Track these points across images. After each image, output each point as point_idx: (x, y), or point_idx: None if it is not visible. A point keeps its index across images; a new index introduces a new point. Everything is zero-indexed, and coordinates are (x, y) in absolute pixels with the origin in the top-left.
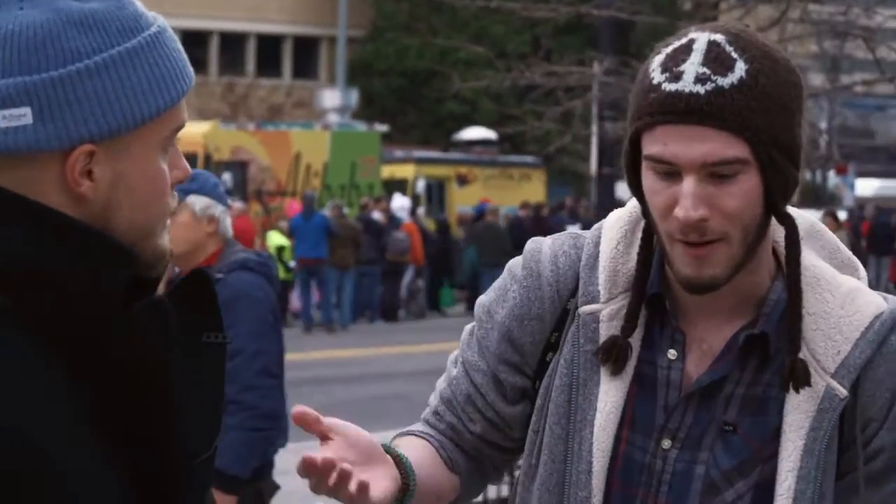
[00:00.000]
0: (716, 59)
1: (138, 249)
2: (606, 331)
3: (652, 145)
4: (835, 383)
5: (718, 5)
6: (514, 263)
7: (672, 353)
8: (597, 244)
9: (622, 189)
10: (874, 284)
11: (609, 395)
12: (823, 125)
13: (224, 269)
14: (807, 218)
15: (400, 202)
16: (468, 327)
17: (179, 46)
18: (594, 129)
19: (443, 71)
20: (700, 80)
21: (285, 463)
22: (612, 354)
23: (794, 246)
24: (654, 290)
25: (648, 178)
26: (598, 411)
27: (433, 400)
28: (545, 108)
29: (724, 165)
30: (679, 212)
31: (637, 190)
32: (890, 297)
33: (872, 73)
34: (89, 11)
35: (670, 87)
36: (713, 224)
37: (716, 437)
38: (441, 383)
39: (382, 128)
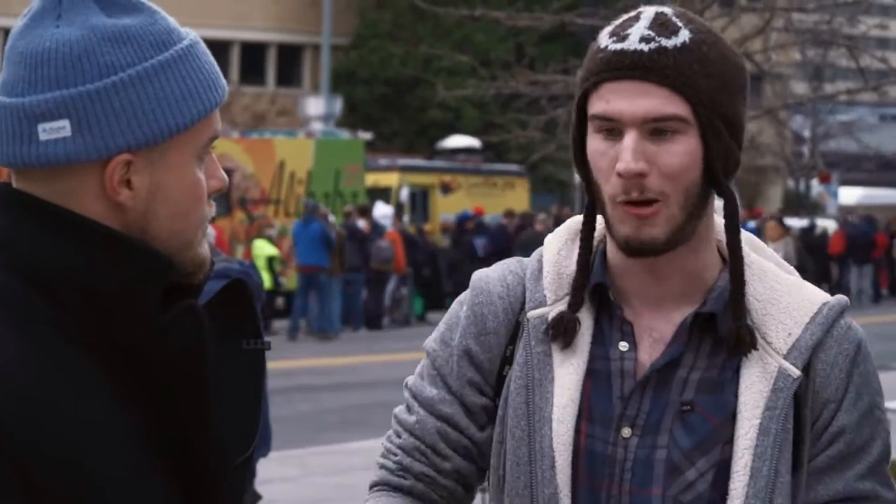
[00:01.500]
0: (661, 25)
1: (178, 258)
2: None
3: (596, 104)
4: (787, 364)
5: (703, 13)
6: (461, 295)
7: (623, 345)
8: (539, 259)
9: None
10: (856, 294)
11: (564, 389)
12: (807, 133)
13: None
14: (747, 235)
15: (382, 210)
16: (410, 379)
17: (211, 59)
18: None
19: (426, 79)
20: (644, 39)
21: (270, 472)
22: (560, 328)
23: (732, 217)
24: (597, 280)
25: (593, 143)
26: (555, 406)
27: (389, 462)
28: (529, 116)
29: (664, 121)
30: (620, 165)
31: (582, 167)
32: (838, 296)
33: (856, 82)
34: (123, 27)
35: (615, 46)
36: (652, 182)
37: (674, 419)
38: (395, 440)
39: (366, 136)
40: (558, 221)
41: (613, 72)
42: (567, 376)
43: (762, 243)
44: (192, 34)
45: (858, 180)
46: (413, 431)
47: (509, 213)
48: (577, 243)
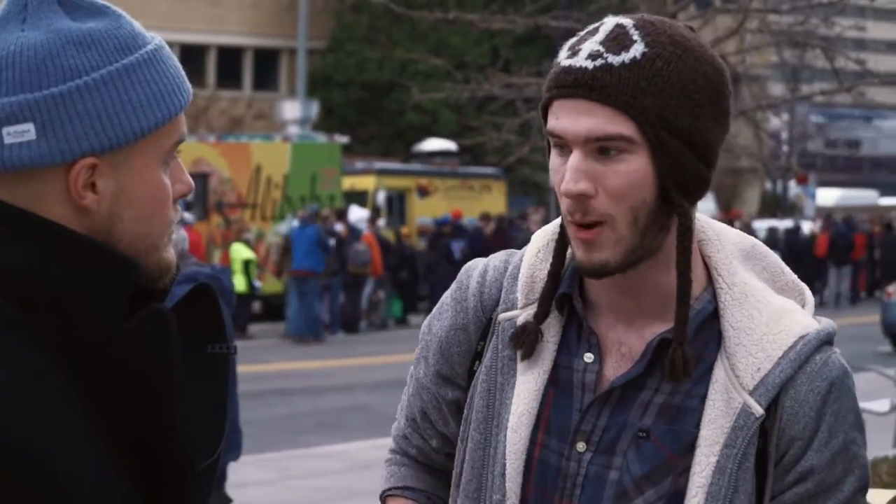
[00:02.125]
0: (614, 39)
1: (143, 262)
2: None
3: (549, 120)
4: (752, 401)
5: (676, 16)
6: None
7: (588, 357)
8: (522, 256)
9: None
10: (835, 294)
11: (521, 398)
12: (784, 135)
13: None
14: (749, 239)
15: (358, 214)
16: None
17: (177, 63)
18: None
19: (403, 83)
20: (592, 56)
21: (243, 475)
22: (523, 339)
23: (684, 235)
24: (563, 290)
25: (551, 157)
26: (511, 413)
27: (401, 421)
28: (504, 119)
29: (608, 141)
30: (562, 185)
31: None
32: (824, 320)
33: (832, 83)
34: (87, 31)
35: (566, 62)
36: (598, 203)
37: (630, 443)
38: (403, 399)
39: (343, 139)
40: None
41: (559, 89)
42: (527, 384)
43: (764, 250)
44: (157, 38)
45: (836, 181)
46: (409, 402)
47: (485, 216)
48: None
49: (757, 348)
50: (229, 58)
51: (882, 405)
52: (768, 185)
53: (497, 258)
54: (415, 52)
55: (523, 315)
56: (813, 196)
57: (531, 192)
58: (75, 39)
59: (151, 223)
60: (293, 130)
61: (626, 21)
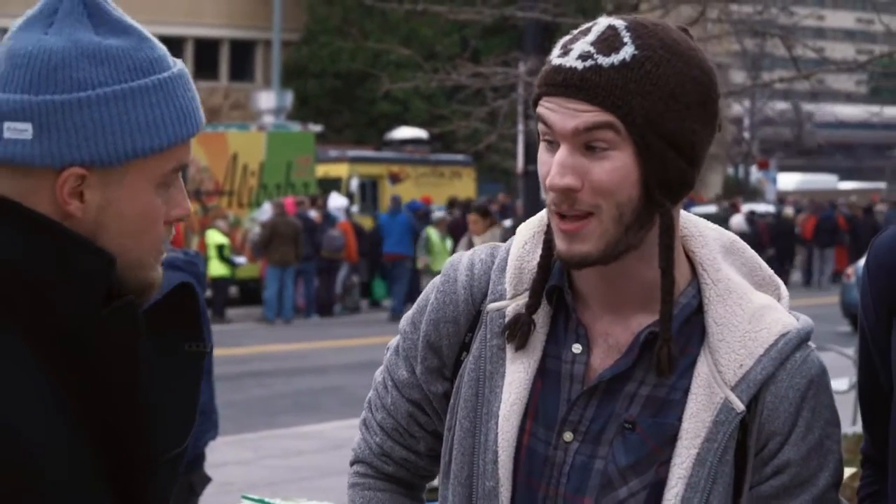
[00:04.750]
0: (605, 41)
1: (125, 275)
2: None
3: (540, 115)
4: (733, 396)
5: (638, 6)
6: (437, 277)
7: (577, 348)
8: (508, 249)
9: None
10: (818, 276)
11: (513, 387)
12: (746, 122)
13: None
14: (728, 234)
15: (337, 202)
16: (391, 344)
17: (193, 93)
18: (520, 127)
19: (375, 73)
20: (582, 56)
21: (222, 455)
22: (516, 330)
23: (666, 233)
24: (554, 282)
25: (539, 151)
26: (503, 402)
27: (372, 440)
28: (473, 107)
29: (594, 132)
30: (548, 179)
31: None
32: (802, 316)
33: (792, 71)
34: (105, 47)
35: (557, 61)
36: (584, 196)
37: (616, 434)
38: (375, 415)
39: (317, 128)
40: (504, 209)
41: (549, 87)
42: (517, 373)
43: (742, 245)
44: (179, 64)
45: (796, 166)
46: (389, 411)
47: (452, 202)
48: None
49: (740, 345)
50: (206, 49)
51: (841, 384)
52: (730, 171)
53: (482, 251)
54: (386, 42)
55: (512, 306)
56: (774, 181)
57: (500, 178)
58: (91, 53)
59: (138, 240)
60: (268, 120)
61: (619, 22)
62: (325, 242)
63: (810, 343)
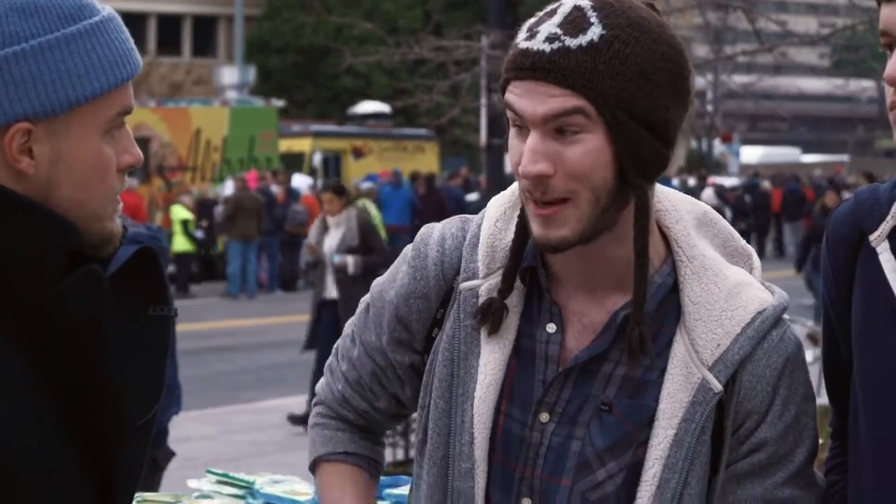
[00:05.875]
0: (572, 22)
1: (83, 229)
2: None
3: (508, 100)
4: (710, 376)
5: None
6: (408, 247)
7: (551, 327)
8: (479, 225)
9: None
10: (788, 249)
11: (488, 367)
12: (709, 95)
13: None
14: (700, 205)
15: (299, 181)
16: (362, 303)
17: (125, 35)
18: (483, 101)
19: (337, 47)
20: (549, 39)
21: (186, 430)
22: (489, 316)
23: (641, 213)
24: (528, 263)
25: (510, 137)
26: (478, 384)
27: (335, 386)
28: (435, 81)
29: (564, 117)
30: (520, 167)
31: None
32: (777, 290)
33: (754, 44)
34: None
35: (523, 45)
36: (557, 182)
37: (593, 415)
38: (342, 365)
39: (279, 103)
40: (467, 183)
41: (517, 71)
42: (492, 354)
43: (714, 216)
44: (107, 9)
45: (759, 140)
46: (354, 364)
47: (415, 176)
48: (517, 213)
49: (716, 324)
50: (169, 25)
51: (806, 356)
52: (693, 144)
53: (452, 225)
54: (349, 17)
55: (485, 285)
56: (737, 154)
57: (463, 152)
58: (19, 6)
59: (91, 191)
60: (231, 95)
61: (584, 3)
62: (289, 217)
63: (785, 317)
